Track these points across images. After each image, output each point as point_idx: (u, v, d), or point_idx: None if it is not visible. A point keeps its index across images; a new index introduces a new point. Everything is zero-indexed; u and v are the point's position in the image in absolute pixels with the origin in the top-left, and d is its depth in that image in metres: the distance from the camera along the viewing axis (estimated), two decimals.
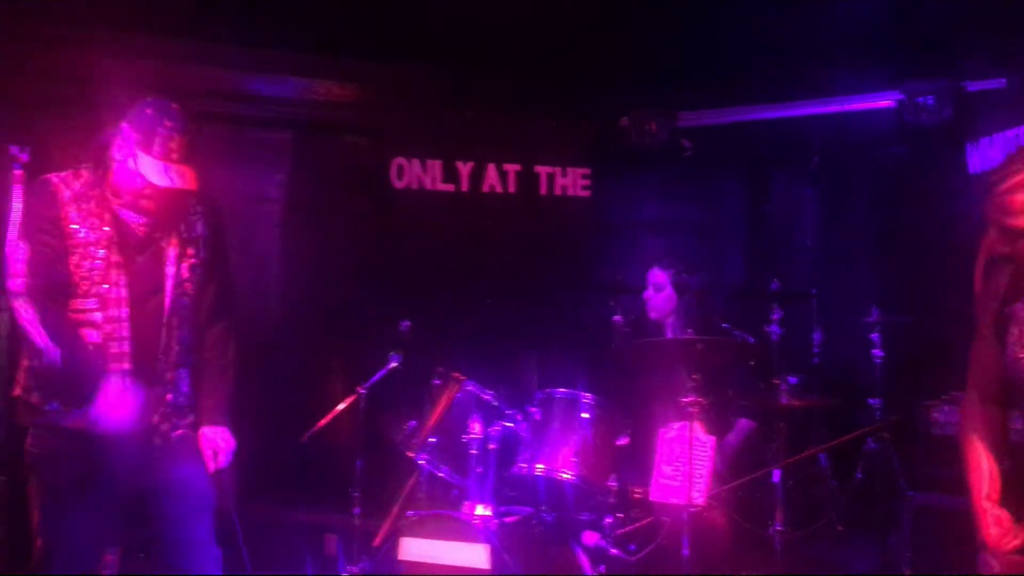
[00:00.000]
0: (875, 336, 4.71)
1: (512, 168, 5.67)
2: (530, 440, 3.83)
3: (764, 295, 4.83)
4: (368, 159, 5.47)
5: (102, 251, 2.79)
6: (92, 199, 2.81)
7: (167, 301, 2.88)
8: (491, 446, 3.78)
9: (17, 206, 2.66)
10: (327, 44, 4.98)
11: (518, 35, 5.12)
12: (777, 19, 5.00)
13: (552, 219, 5.68)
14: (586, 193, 5.75)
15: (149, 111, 2.77)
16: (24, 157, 2.75)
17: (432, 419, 3.94)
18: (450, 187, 5.55)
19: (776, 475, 4.01)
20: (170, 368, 2.88)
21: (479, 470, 3.76)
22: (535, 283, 5.49)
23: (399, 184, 5.46)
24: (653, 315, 4.28)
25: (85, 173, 2.85)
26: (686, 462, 3.55)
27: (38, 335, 2.64)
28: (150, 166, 2.72)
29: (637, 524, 3.81)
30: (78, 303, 2.77)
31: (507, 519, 3.79)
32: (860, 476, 4.58)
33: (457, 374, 3.96)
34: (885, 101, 5.08)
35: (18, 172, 2.70)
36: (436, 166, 5.52)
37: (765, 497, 4.24)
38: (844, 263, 5.60)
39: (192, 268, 2.93)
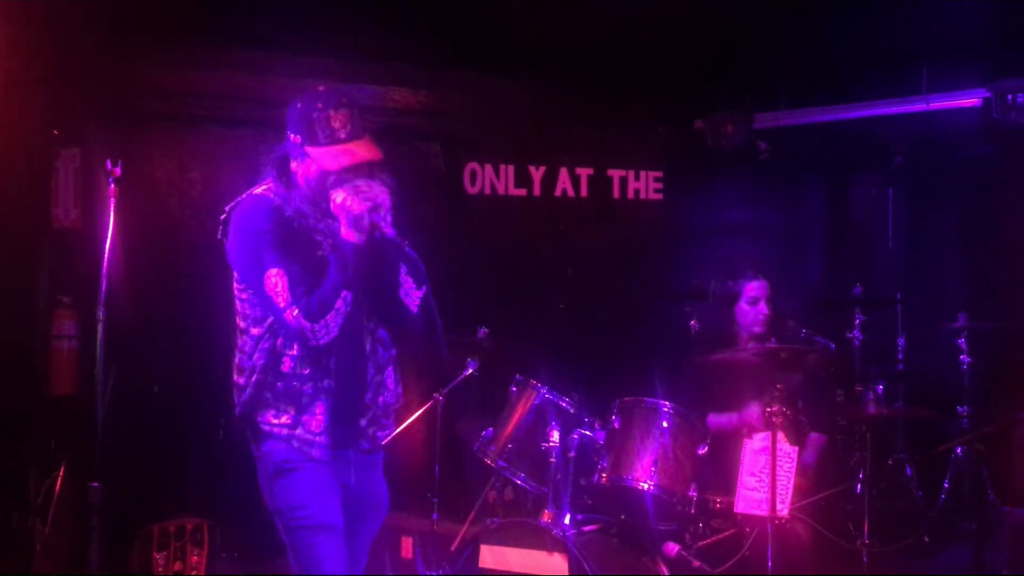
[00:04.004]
0: (962, 342, 4.59)
1: (584, 172, 5.64)
2: (609, 448, 3.80)
3: (846, 301, 4.72)
4: (441, 165, 5.50)
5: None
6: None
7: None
8: (570, 454, 3.75)
9: (112, 220, 2.73)
10: (402, 53, 5.02)
11: (590, 38, 5.09)
12: (856, 17, 4.88)
13: (625, 223, 5.64)
14: (659, 196, 5.69)
15: (299, 105, 2.65)
16: (117, 172, 2.83)
17: (509, 426, 3.93)
18: (523, 192, 5.55)
19: (859, 486, 3.92)
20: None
21: (557, 478, 3.74)
22: (609, 288, 5.45)
23: (472, 189, 5.48)
24: (761, 329, 4.11)
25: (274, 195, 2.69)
26: (770, 473, 3.48)
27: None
28: (321, 156, 2.60)
29: (719, 535, 3.75)
30: None
31: (586, 527, 3.76)
32: (947, 486, 4.46)
33: (534, 381, 3.95)
34: (971, 99, 4.94)
35: (112, 187, 2.77)
36: (509, 171, 5.52)
37: (849, 508, 4.16)
38: (929, 267, 5.45)
39: None
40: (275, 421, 2.66)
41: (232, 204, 2.70)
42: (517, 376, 4.01)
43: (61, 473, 4.29)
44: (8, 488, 4.37)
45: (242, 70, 4.93)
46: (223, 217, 2.70)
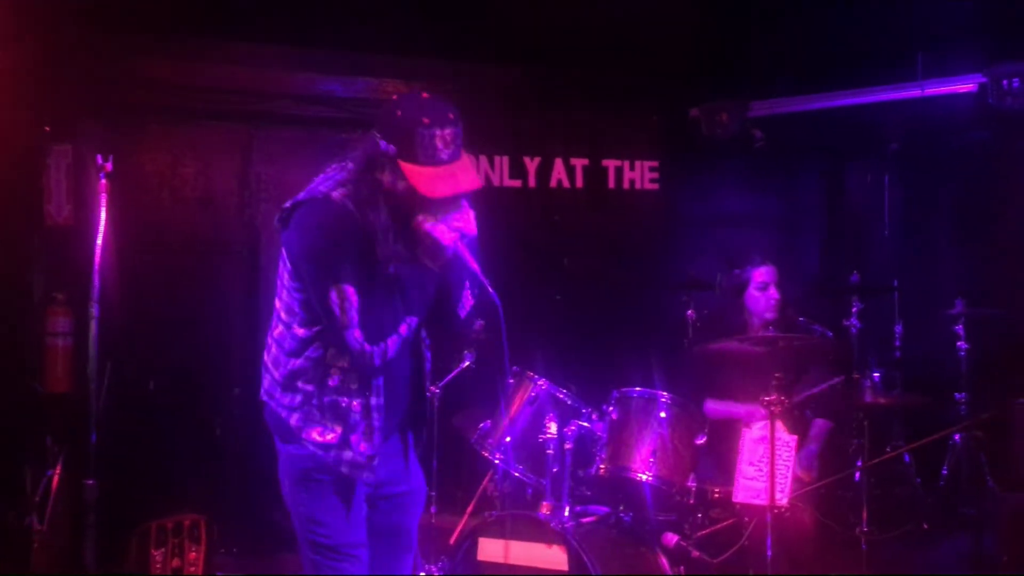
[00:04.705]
0: (959, 329, 4.58)
1: (579, 162, 5.62)
2: (607, 440, 3.79)
3: (843, 288, 4.71)
4: None
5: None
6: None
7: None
8: (567, 445, 3.74)
9: (103, 215, 2.71)
10: (395, 44, 5.00)
11: (585, 28, 5.07)
12: (851, 3, 4.87)
13: (621, 213, 5.62)
14: (654, 186, 5.68)
15: (399, 114, 2.38)
16: (108, 167, 2.81)
17: (506, 418, 3.92)
18: (517, 183, 5.53)
19: (858, 474, 3.92)
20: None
21: (555, 470, 3.73)
22: (606, 278, 5.44)
23: None
24: (773, 314, 4.09)
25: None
26: (769, 462, 3.48)
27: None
28: (418, 177, 2.34)
29: (719, 525, 3.75)
30: None
31: (584, 519, 3.75)
32: (946, 473, 4.46)
33: (531, 373, 3.94)
34: (967, 85, 4.92)
35: (103, 182, 2.74)
36: (504, 162, 5.50)
37: (848, 496, 4.16)
38: (926, 254, 5.44)
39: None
40: (321, 439, 2.48)
41: (301, 198, 2.45)
42: (514, 368, 3.99)
43: (58, 471, 4.28)
44: (5, 486, 4.36)
45: (235, 63, 4.90)
46: (287, 206, 2.46)
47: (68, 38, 4.54)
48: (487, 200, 5.34)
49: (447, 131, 2.35)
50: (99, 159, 2.80)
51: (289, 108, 5.09)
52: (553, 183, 5.57)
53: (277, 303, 2.54)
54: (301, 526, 2.56)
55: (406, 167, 2.35)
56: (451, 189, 2.36)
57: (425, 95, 2.43)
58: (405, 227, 2.41)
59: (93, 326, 2.96)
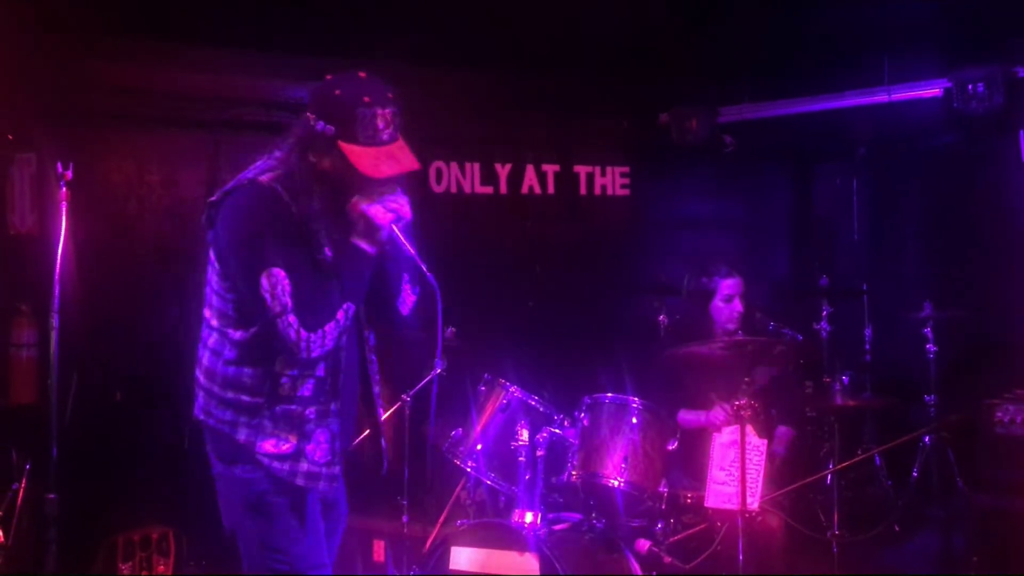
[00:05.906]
0: (928, 331, 4.61)
1: (551, 168, 5.61)
2: (578, 446, 3.78)
3: (812, 292, 4.74)
4: None
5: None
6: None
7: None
8: (539, 452, 3.73)
9: (64, 224, 2.67)
10: (364, 49, 4.97)
11: (553, 33, 5.07)
12: (818, 8, 4.90)
13: (592, 219, 5.63)
14: (625, 192, 5.69)
15: (338, 93, 2.32)
16: (68, 175, 2.77)
17: (478, 426, 3.90)
18: (489, 189, 5.52)
19: (829, 476, 3.94)
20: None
21: (527, 477, 3.72)
22: (578, 284, 5.44)
23: (438, 188, 5.43)
24: (734, 326, 4.10)
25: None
26: (739, 467, 3.48)
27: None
28: (359, 157, 2.29)
29: (690, 530, 3.75)
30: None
31: (556, 526, 3.75)
32: (916, 475, 4.48)
33: (503, 380, 3.93)
34: (932, 90, 4.97)
35: (64, 191, 2.70)
36: (475, 168, 5.48)
37: (819, 499, 4.17)
38: (894, 257, 5.49)
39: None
40: (275, 451, 2.38)
41: (227, 188, 2.39)
42: (486, 375, 3.98)
43: (23, 484, 4.20)
44: None
45: (201, 69, 4.86)
46: (213, 200, 2.40)
47: (30, 44, 4.48)
48: (458, 207, 5.43)
49: (387, 110, 2.31)
50: (59, 167, 2.76)
51: (256, 115, 5.03)
52: (524, 189, 5.56)
53: (206, 312, 2.46)
54: (258, 554, 2.42)
55: (347, 148, 2.30)
56: (393, 169, 2.32)
57: (362, 74, 2.37)
58: (340, 210, 2.37)
59: (53, 337, 2.91)
